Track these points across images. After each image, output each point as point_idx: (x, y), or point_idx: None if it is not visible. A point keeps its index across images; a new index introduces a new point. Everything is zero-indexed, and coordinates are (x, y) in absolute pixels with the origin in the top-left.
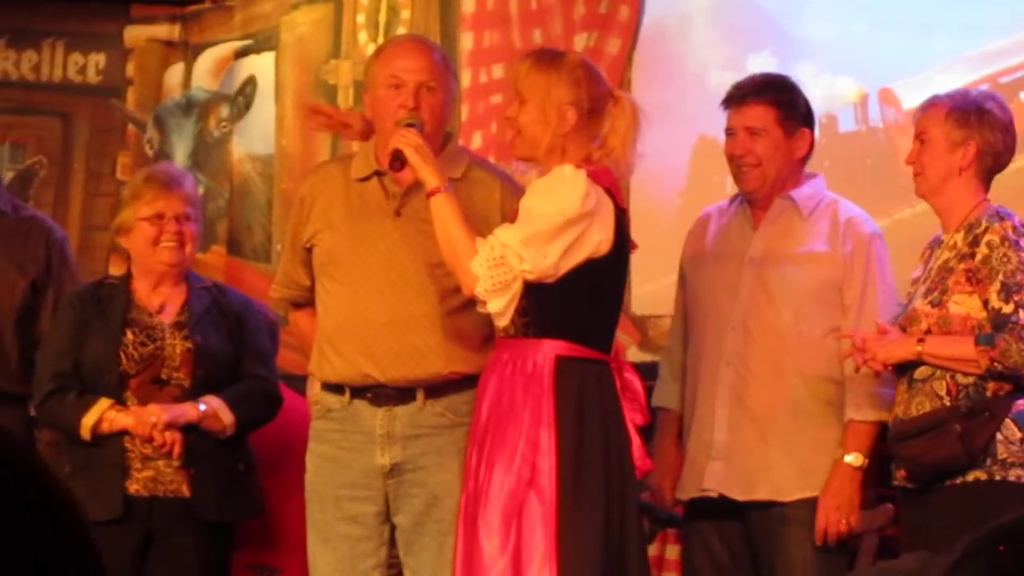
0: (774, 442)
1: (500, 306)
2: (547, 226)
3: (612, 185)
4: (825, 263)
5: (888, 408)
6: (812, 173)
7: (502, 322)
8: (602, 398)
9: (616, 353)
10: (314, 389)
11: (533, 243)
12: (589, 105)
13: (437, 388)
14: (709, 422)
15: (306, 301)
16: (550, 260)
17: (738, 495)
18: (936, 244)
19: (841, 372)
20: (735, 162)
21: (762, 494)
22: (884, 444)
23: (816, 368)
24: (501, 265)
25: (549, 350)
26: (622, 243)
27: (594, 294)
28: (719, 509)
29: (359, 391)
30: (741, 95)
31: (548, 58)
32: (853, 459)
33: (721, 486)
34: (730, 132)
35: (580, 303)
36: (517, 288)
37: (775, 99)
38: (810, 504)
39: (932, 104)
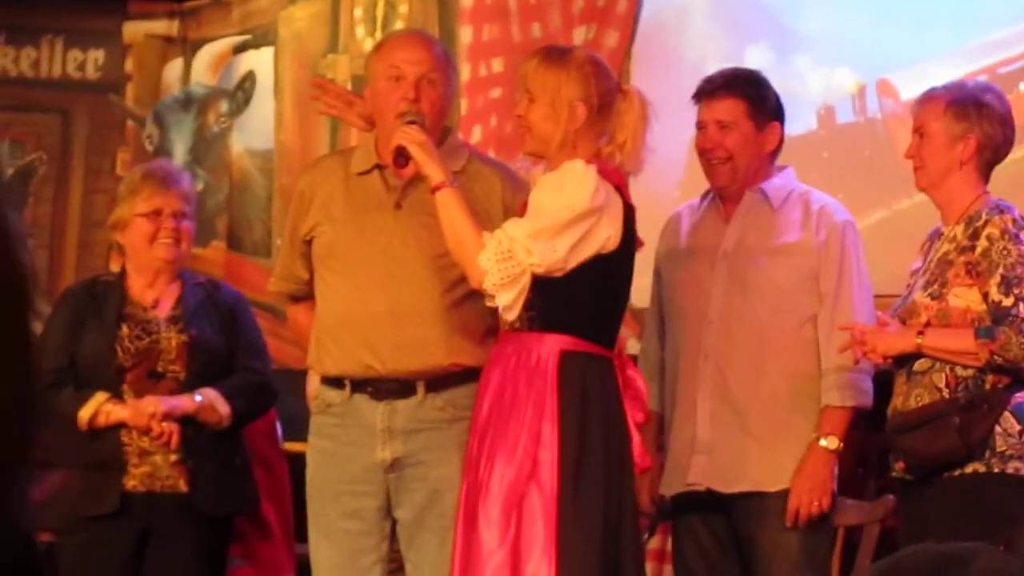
0: (756, 434)
1: (509, 300)
2: (556, 220)
3: (620, 182)
4: (799, 253)
5: (865, 395)
6: (782, 166)
7: (510, 316)
8: (604, 394)
9: (619, 350)
10: (313, 384)
11: (542, 236)
12: (598, 101)
13: (438, 381)
14: (691, 417)
15: (304, 295)
16: (559, 254)
17: (723, 487)
18: (936, 236)
19: (819, 361)
20: (705, 156)
21: (746, 486)
22: (885, 435)
23: (795, 358)
24: (509, 259)
25: (553, 344)
26: (629, 240)
27: (600, 290)
28: (705, 502)
29: (359, 384)
30: (711, 89)
31: (556, 55)
32: (828, 443)
33: (706, 480)
34: (701, 126)
35: (586, 298)
36: (525, 282)
37: (744, 92)
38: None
39: (930, 97)
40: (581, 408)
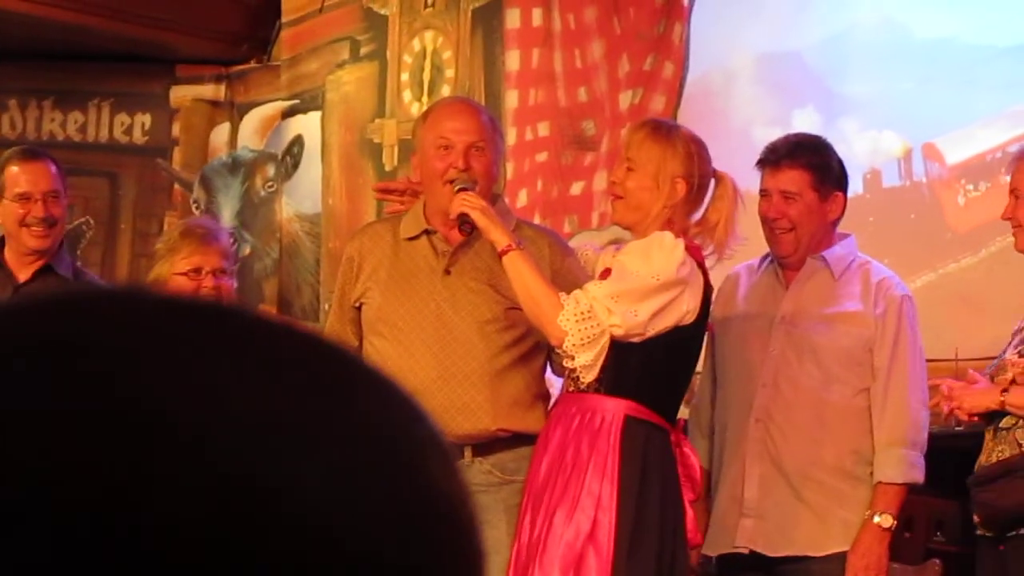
0: (805, 499)
1: (588, 359)
2: (641, 285)
3: (702, 261)
4: (857, 323)
5: (919, 471)
6: (844, 234)
7: (589, 377)
8: (663, 464)
9: (678, 426)
10: None
11: (625, 300)
12: (698, 181)
13: (485, 445)
14: (739, 479)
15: None
16: (640, 319)
17: (769, 551)
18: None
19: (871, 431)
20: (768, 224)
21: (793, 550)
22: (937, 500)
23: (848, 426)
24: (589, 319)
25: (618, 408)
26: (704, 318)
27: (671, 362)
28: (750, 564)
29: None
30: (776, 158)
31: (664, 129)
32: (882, 520)
33: (752, 543)
34: (764, 194)
35: (656, 368)
36: (604, 342)
37: (809, 163)
38: (839, 559)
39: (1020, 156)
40: (641, 473)
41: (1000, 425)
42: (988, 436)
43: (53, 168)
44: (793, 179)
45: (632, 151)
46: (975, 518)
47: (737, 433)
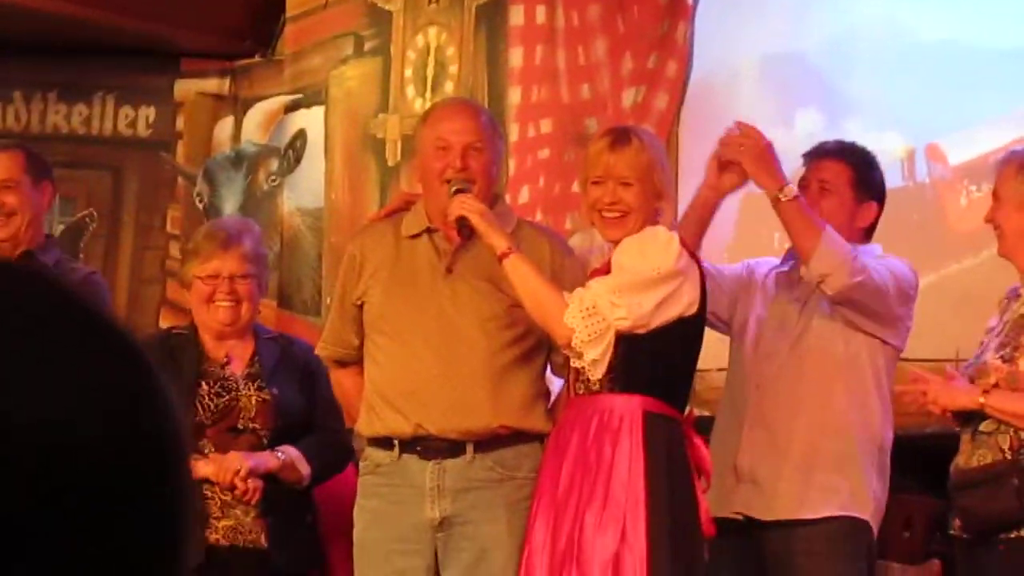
0: (797, 463)
1: (596, 354)
2: (642, 278)
3: (695, 253)
4: None
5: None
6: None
7: (597, 373)
8: (682, 457)
9: (689, 417)
10: (359, 445)
11: (627, 293)
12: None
13: (486, 442)
14: (734, 445)
15: (352, 360)
16: (644, 309)
17: (763, 515)
18: (1013, 296)
19: (870, 390)
20: None
21: (785, 514)
22: (936, 501)
23: (838, 385)
24: (594, 315)
25: (635, 405)
26: (704, 309)
27: (678, 353)
28: (741, 528)
29: (408, 445)
30: (822, 151)
31: (642, 137)
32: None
33: (747, 508)
34: (803, 184)
35: (666, 361)
36: (611, 338)
37: (853, 161)
38: (832, 522)
39: (1004, 161)
40: (667, 468)
41: (980, 429)
42: (966, 438)
43: (17, 159)
44: (833, 170)
45: (622, 168)
46: (955, 522)
47: (737, 401)
